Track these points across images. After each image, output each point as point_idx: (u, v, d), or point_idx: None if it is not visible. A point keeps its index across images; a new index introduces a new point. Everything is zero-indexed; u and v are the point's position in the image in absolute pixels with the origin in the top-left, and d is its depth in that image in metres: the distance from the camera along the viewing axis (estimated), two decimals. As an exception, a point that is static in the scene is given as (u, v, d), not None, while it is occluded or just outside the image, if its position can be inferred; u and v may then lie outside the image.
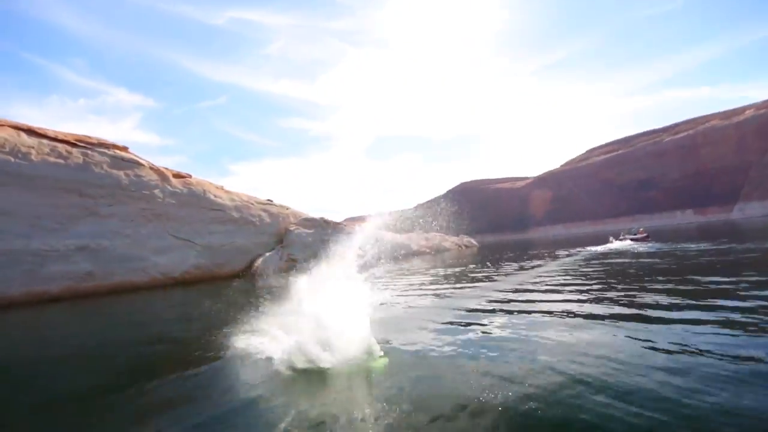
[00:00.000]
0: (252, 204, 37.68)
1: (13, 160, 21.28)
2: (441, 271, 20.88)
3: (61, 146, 23.75)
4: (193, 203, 31.03)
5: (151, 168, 28.84)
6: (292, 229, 40.80)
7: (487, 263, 23.31)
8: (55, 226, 22.52)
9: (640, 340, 5.31)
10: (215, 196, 33.48)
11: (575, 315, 7.18)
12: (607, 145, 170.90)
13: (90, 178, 24.47)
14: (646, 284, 10.20)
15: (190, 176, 32.58)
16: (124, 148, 27.77)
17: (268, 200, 41.82)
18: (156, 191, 28.45)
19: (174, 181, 30.43)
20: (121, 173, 26.38)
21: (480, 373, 4.55)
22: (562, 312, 7.49)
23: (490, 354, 5.21)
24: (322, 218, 46.64)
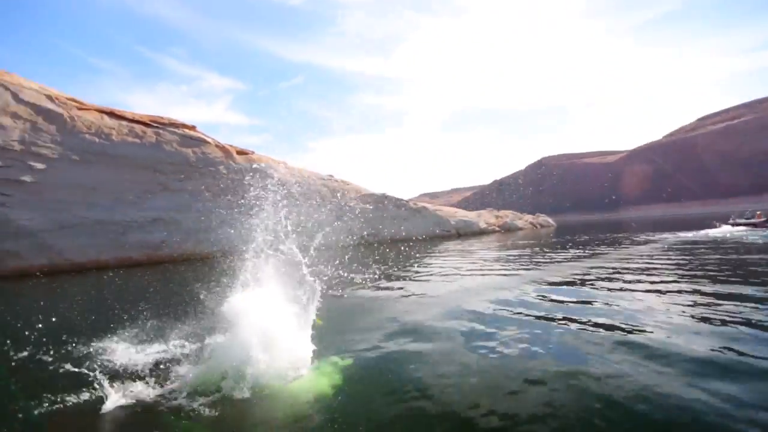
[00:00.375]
0: (312, 179, 38.35)
1: (97, 140, 23.74)
2: (486, 252, 18.91)
3: (137, 127, 25.95)
4: (256, 179, 32.29)
5: (216, 145, 30.46)
6: (352, 204, 40.95)
7: (544, 248, 20.63)
8: (134, 200, 24.91)
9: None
10: (277, 171, 34.56)
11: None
12: (724, 111, 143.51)
13: (162, 155, 26.51)
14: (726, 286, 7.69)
15: (252, 153, 33.92)
16: (192, 127, 29.58)
17: (329, 176, 42.29)
18: (221, 167, 30.06)
19: (237, 157, 31.88)
20: (189, 151, 28.21)
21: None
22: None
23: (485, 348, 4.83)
24: (383, 194, 46.08)
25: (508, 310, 6.87)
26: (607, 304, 6.82)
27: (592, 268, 11.77)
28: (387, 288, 10.80)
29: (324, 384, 3.98)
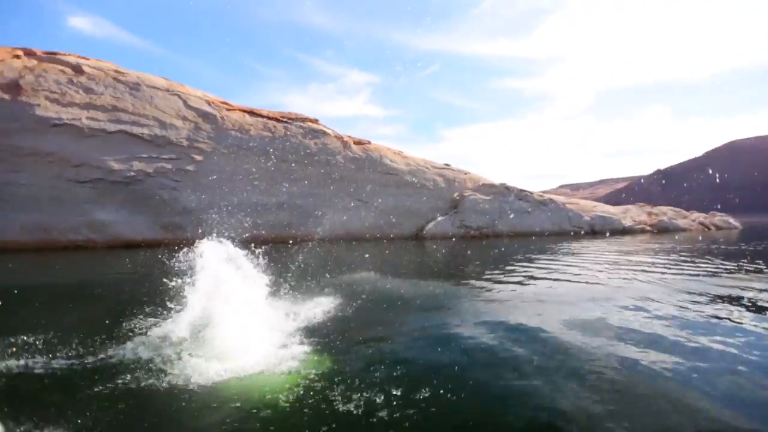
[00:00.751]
0: (427, 168, 38.08)
1: (239, 135, 28.10)
2: (624, 256, 15.69)
3: (270, 122, 29.76)
4: (370, 167, 33.74)
5: (335, 136, 32.82)
6: (466, 194, 39.24)
7: (712, 255, 16.07)
8: (265, 187, 28.75)
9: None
10: (391, 160, 35.41)
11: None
12: None
13: (289, 147, 29.85)
14: None
15: (369, 143, 35.43)
16: (315, 120, 32.45)
17: (446, 164, 41.35)
18: (338, 157, 32.29)
19: (354, 147, 33.77)
20: (311, 142, 31.08)
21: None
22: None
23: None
24: (503, 184, 42.90)
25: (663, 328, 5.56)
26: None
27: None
28: (498, 284, 9.94)
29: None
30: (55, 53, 24.08)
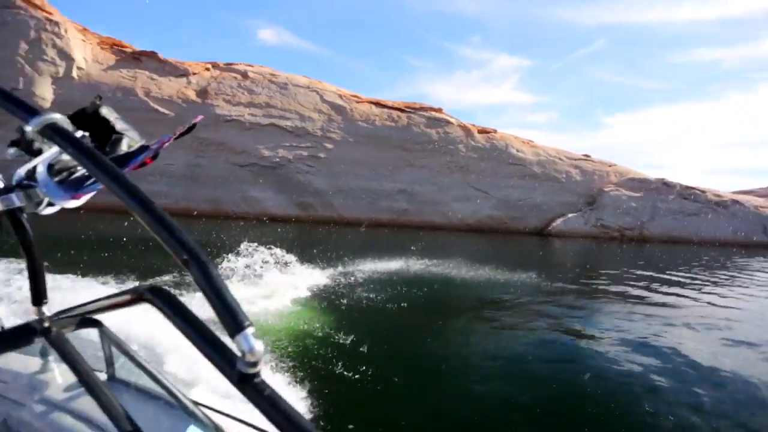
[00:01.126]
0: (560, 159, 34.41)
1: (365, 125, 30.31)
2: None
3: (394, 113, 31.19)
4: (493, 157, 32.29)
5: (459, 125, 32.40)
6: (608, 189, 33.92)
7: None
8: (386, 173, 30.39)
9: None
10: (517, 150, 33.19)
11: None
12: None
13: (410, 136, 30.81)
14: None
15: (494, 131, 33.86)
16: (439, 110, 32.59)
17: (584, 155, 36.49)
18: (460, 146, 31.85)
19: (478, 136, 32.75)
20: (433, 131, 31.41)
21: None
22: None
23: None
24: (660, 179, 35.67)
25: None
26: None
27: None
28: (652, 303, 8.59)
29: None
30: (231, 64, 30.08)
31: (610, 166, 36.67)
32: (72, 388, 1.50)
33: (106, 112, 0.90)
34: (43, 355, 1.57)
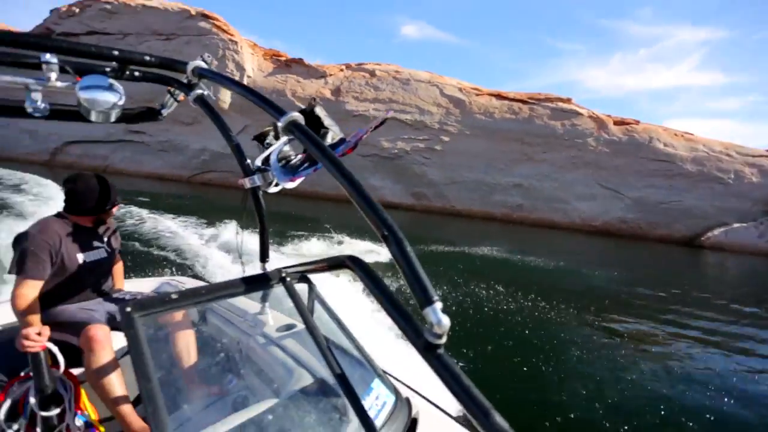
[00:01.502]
0: (728, 156, 28.24)
1: (483, 118, 30.06)
2: None
3: (515, 104, 30.10)
4: (631, 152, 28.44)
5: (590, 116, 29.43)
6: (798, 195, 26.15)
7: None
8: (501, 167, 29.68)
9: None
10: (665, 144, 28.48)
11: None
12: None
13: (531, 128, 29.36)
14: None
15: (636, 122, 29.66)
16: (567, 100, 30.12)
17: None
18: (589, 139, 28.96)
19: (613, 128, 29.20)
20: (557, 123, 29.29)
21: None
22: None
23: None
24: None
25: None
26: None
27: None
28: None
29: None
30: (362, 64, 33.32)
31: (808, 165, 28.35)
32: (281, 329, 1.76)
33: (318, 110, 1.04)
34: (263, 300, 1.86)
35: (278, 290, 1.24)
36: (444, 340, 0.60)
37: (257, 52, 33.23)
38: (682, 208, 27.51)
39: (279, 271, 1.20)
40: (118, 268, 2.12)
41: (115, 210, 1.96)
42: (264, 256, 1.77)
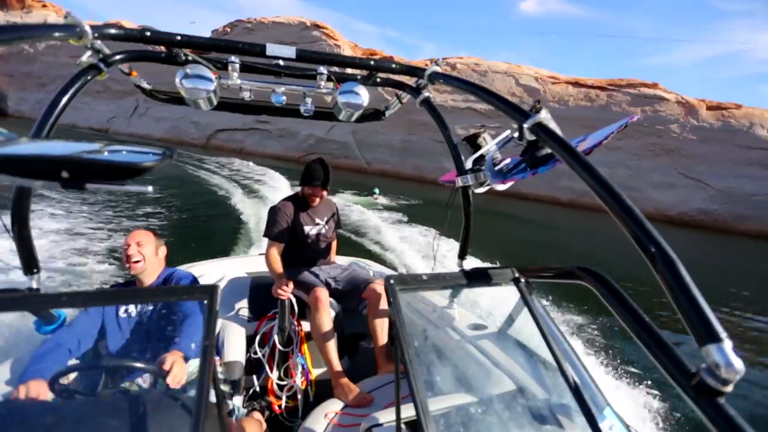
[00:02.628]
0: None
1: (557, 106, 31.03)
2: None
3: (593, 92, 30.31)
4: (723, 139, 26.70)
5: (677, 101, 28.23)
6: None
7: None
8: (572, 153, 30.53)
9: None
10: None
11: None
12: None
13: (607, 116, 29.40)
14: None
15: (737, 106, 27.39)
16: (653, 85, 29.18)
17: None
18: (674, 125, 27.93)
19: (704, 113, 27.57)
20: (637, 109, 28.83)
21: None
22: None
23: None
24: None
25: None
26: None
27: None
28: None
29: None
30: (445, 58, 36.66)
31: None
32: (472, 328, 1.78)
33: (543, 114, 0.99)
34: (452, 296, 1.99)
35: (486, 290, 1.17)
36: (730, 388, 0.49)
37: (356, 52, 39.13)
38: (782, 202, 25.13)
39: (512, 270, 1.14)
40: (333, 244, 2.59)
41: (325, 193, 2.36)
42: (463, 254, 1.81)
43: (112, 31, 1.18)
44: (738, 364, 0.48)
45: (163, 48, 1.40)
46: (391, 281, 0.96)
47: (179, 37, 1.29)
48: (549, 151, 1.14)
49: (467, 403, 1.09)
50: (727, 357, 0.48)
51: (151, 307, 1.70)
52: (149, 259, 1.79)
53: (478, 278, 1.08)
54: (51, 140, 0.67)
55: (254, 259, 3.10)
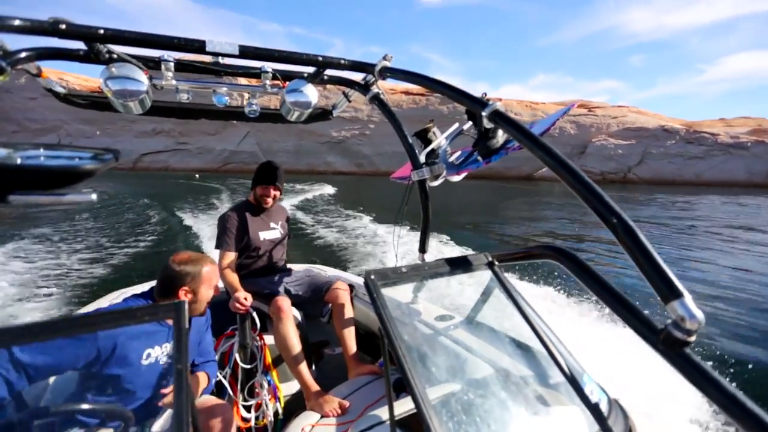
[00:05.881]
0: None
1: (396, 109, 45.60)
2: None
3: (417, 97, 45.07)
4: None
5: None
6: (595, 141, 39.27)
7: None
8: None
9: None
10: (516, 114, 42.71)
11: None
12: None
13: (425, 113, 44.47)
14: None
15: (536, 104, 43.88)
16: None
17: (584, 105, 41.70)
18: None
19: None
20: (444, 107, 44.15)
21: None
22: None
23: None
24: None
25: None
26: None
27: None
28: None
29: None
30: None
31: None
32: (438, 319, 1.72)
33: (499, 104, 0.99)
34: (415, 291, 1.88)
35: (460, 278, 1.14)
36: (694, 337, 0.53)
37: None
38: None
39: (486, 255, 1.12)
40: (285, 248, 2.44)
41: (278, 193, 2.26)
42: (423, 247, 1.73)
43: (16, 23, 0.97)
44: (699, 315, 0.52)
45: (81, 44, 1.18)
46: (372, 277, 0.93)
47: (102, 31, 1.11)
48: (499, 141, 1.20)
49: (459, 390, 1.07)
50: (690, 310, 0.52)
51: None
52: None
53: (454, 266, 1.05)
54: None
55: None
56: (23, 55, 1.09)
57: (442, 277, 1.05)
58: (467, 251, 5.78)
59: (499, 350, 1.29)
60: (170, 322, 0.77)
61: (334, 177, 44.04)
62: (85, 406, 1.18)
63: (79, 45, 1.21)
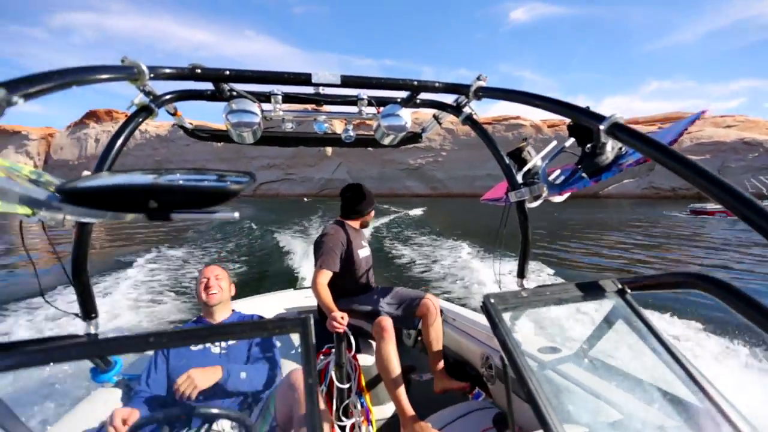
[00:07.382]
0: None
1: (465, 138, 50.95)
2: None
3: (489, 126, 50.30)
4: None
5: (531, 125, 47.68)
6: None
7: None
8: (478, 165, 50.13)
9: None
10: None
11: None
12: None
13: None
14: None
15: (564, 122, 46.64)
16: (516, 117, 48.81)
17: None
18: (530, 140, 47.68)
19: (547, 130, 46.99)
20: (509, 134, 48.30)
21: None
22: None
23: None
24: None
25: None
26: None
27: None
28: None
29: None
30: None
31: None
32: (542, 351, 1.54)
33: (618, 114, 0.90)
34: (513, 319, 1.63)
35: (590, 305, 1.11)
36: None
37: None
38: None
39: (615, 282, 0.98)
40: None
41: (372, 214, 2.33)
42: (522, 272, 1.64)
43: (167, 70, 1.14)
44: None
45: (209, 85, 1.35)
46: (492, 300, 0.84)
47: (228, 72, 1.25)
48: (609, 157, 1.12)
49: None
50: None
51: (235, 345, 1.62)
52: (225, 292, 1.76)
53: (579, 292, 0.92)
54: (130, 172, 0.60)
55: (296, 293, 2.97)
56: (167, 97, 1.29)
57: (565, 303, 0.94)
58: (557, 279, 5.98)
59: (640, 398, 1.11)
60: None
61: (411, 199, 50.91)
62: (215, 411, 1.25)
63: (207, 86, 1.37)
